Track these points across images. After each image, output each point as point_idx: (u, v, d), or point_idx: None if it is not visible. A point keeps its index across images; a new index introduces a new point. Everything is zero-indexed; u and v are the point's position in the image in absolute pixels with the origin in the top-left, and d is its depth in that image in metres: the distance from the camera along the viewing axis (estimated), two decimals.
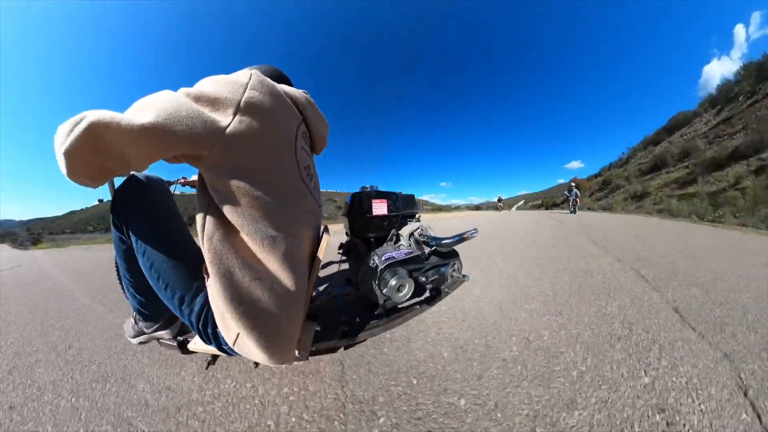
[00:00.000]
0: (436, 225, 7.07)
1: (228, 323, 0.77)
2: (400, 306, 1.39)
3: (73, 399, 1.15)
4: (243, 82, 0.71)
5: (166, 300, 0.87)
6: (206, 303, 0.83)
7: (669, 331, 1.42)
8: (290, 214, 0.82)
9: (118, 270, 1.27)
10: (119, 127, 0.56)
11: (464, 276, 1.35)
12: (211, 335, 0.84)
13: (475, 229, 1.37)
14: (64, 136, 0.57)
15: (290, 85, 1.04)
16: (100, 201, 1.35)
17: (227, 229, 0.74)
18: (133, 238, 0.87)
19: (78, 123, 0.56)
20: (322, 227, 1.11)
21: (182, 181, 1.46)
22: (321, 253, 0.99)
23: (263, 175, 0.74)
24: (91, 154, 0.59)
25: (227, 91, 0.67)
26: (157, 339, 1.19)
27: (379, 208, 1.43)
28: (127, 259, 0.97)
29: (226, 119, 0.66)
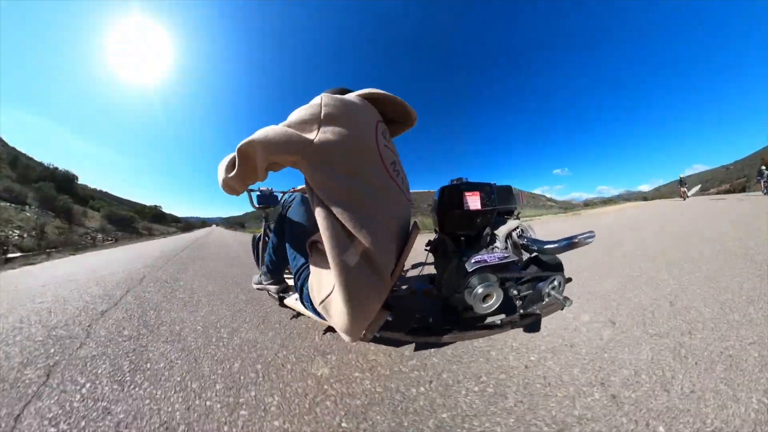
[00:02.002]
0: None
1: (323, 282, 0.96)
2: (480, 318, 1.18)
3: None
4: (317, 103, 0.88)
5: (292, 263, 1.20)
6: (308, 270, 1.09)
7: None
8: (378, 206, 0.92)
9: (253, 244, 2.16)
10: (252, 142, 0.85)
11: (566, 299, 1.01)
12: (305, 295, 1.09)
13: (591, 231, 1.01)
14: (229, 164, 0.93)
15: None
16: (254, 207, 1.95)
17: (329, 215, 0.88)
18: (275, 231, 1.39)
19: (234, 154, 0.90)
20: (411, 223, 1.16)
21: (292, 190, 1.86)
22: (408, 247, 1.04)
23: (351, 171, 0.87)
24: (238, 172, 0.89)
25: (308, 113, 0.86)
26: (267, 291, 1.64)
27: (472, 201, 1.26)
28: (272, 237, 1.46)
29: (312, 133, 0.84)
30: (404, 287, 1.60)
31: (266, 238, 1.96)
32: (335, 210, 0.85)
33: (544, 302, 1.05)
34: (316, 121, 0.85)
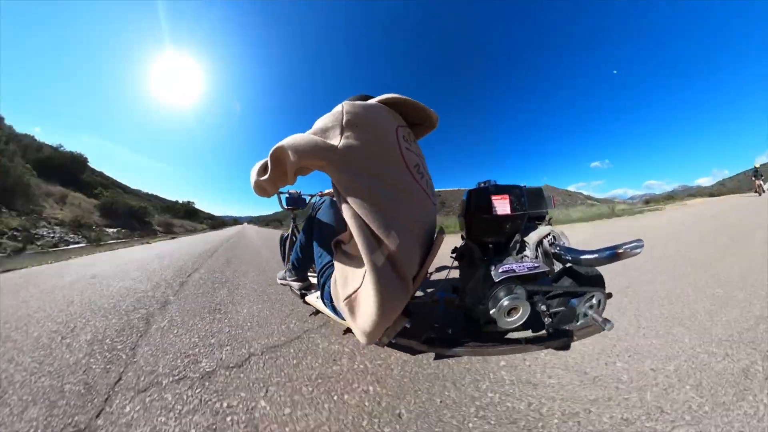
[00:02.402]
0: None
1: (349, 279, 0.96)
2: (503, 333, 1.07)
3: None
4: (339, 111, 0.91)
5: (317, 261, 1.26)
6: (332, 268, 1.10)
7: None
8: (402, 209, 0.92)
9: (280, 242, 2.20)
10: (282, 147, 0.90)
11: (605, 321, 0.86)
12: (326, 292, 1.12)
13: (639, 240, 0.85)
14: (261, 168, 0.99)
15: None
16: (283, 208, 2.09)
17: (357, 217, 0.90)
18: (304, 230, 1.46)
19: (267, 159, 0.95)
20: (437, 228, 1.13)
21: (320, 193, 2.03)
22: (433, 253, 1.01)
23: (374, 175, 0.89)
24: (270, 176, 0.95)
25: (331, 121, 0.90)
26: (290, 287, 1.71)
27: (501, 206, 1.16)
28: (301, 236, 1.54)
29: (335, 139, 0.87)
30: (426, 294, 1.53)
31: (293, 237, 2.06)
32: (361, 212, 0.87)
33: (578, 322, 0.91)
34: (339, 127, 0.88)
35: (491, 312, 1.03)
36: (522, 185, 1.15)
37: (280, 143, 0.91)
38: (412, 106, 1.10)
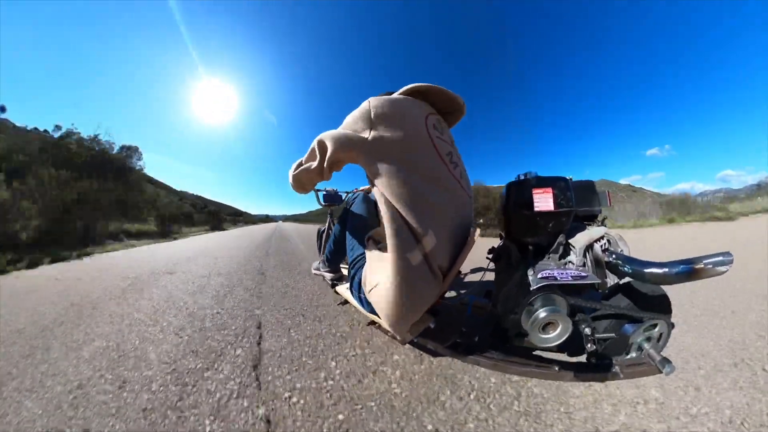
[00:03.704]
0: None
1: (376, 273, 0.97)
2: (533, 349, 0.91)
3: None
4: (366, 106, 0.93)
5: (350, 253, 1.30)
6: (363, 260, 1.13)
7: None
8: (436, 199, 0.91)
9: (318, 235, 2.38)
10: (320, 140, 0.95)
11: (664, 362, 0.64)
12: (356, 283, 1.15)
13: (726, 253, 0.61)
14: (298, 165, 1.06)
15: None
16: (321, 205, 2.18)
17: (395, 212, 0.90)
18: (338, 222, 1.53)
19: (302, 159, 1.05)
20: (472, 222, 1.09)
21: (356, 190, 2.06)
22: (466, 251, 0.98)
23: (408, 166, 0.89)
24: (308, 169, 1.00)
25: (360, 116, 0.92)
26: (323, 276, 1.82)
27: (542, 201, 0.98)
28: (336, 228, 1.62)
29: (365, 132, 0.90)
30: (456, 297, 1.41)
31: (329, 231, 2.16)
32: (396, 203, 0.87)
33: (628, 357, 0.70)
34: (367, 121, 0.90)
35: (523, 323, 0.89)
36: (568, 177, 0.95)
37: (318, 137, 0.96)
38: (437, 93, 1.07)
